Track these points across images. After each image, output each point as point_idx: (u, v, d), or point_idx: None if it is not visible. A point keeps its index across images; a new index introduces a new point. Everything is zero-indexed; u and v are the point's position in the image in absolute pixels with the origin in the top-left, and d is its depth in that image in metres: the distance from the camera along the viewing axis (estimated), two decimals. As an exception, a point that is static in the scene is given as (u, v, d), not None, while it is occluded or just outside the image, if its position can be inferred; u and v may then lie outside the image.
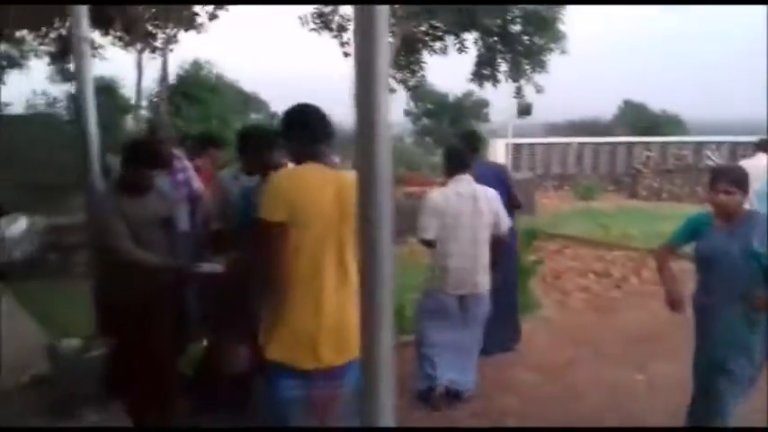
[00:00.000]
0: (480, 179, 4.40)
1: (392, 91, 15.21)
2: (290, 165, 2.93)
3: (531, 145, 16.64)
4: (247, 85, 16.05)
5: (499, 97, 13.69)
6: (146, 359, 3.68)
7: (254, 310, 2.55)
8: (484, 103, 24.59)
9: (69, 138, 12.80)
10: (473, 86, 13.18)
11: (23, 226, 3.62)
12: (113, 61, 14.58)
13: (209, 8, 12.00)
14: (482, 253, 4.18)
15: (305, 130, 2.66)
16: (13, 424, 3.46)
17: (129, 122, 16.18)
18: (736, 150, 17.20)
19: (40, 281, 7.11)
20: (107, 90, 16.39)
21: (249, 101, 17.64)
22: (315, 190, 2.48)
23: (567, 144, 17.54)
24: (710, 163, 17.46)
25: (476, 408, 4.23)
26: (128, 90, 16.29)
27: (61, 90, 16.69)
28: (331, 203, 2.48)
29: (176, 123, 12.89)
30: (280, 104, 20.75)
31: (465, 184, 4.22)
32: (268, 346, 2.47)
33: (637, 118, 28.34)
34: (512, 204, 4.93)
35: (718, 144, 17.73)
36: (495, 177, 4.87)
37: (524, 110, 15.40)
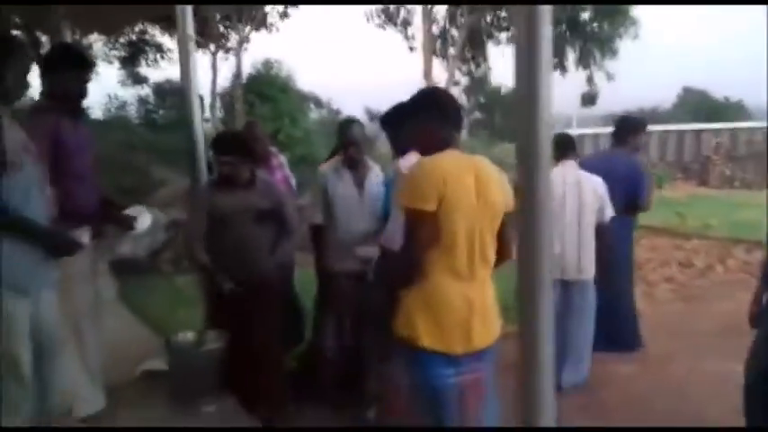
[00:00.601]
0: (610, 168, 4.58)
1: (456, 83, 15.20)
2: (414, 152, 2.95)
3: (596, 135, 16.35)
4: (306, 84, 16.19)
5: (565, 87, 13.51)
6: (256, 353, 3.77)
7: (393, 302, 2.55)
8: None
9: (142, 141, 13.22)
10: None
11: (148, 221, 3.73)
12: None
13: (280, 8, 12.19)
14: (586, 239, 4.18)
15: (443, 114, 2.61)
16: (132, 416, 3.63)
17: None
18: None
19: (158, 275, 7.42)
20: (175, 92, 16.82)
21: (308, 99, 17.80)
22: (460, 177, 2.45)
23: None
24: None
25: (580, 401, 4.19)
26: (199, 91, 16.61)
27: (131, 94, 17.17)
28: (473, 190, 2.48)
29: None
30: (342, 102, 20.94)
31: (570, 169, 4.27)
32: (417, 334, 2.45)
33: (698, 105, 27.62)
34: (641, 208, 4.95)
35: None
36: (627, 168, 4.84)
37: (589, 99, 15.15)
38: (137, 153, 12.19)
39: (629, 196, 4.78)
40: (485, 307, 2.54)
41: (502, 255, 2.66)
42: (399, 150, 3.43)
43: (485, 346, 2.53)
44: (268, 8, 12.01)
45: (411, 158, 3.25)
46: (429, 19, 12.22)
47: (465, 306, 2.47)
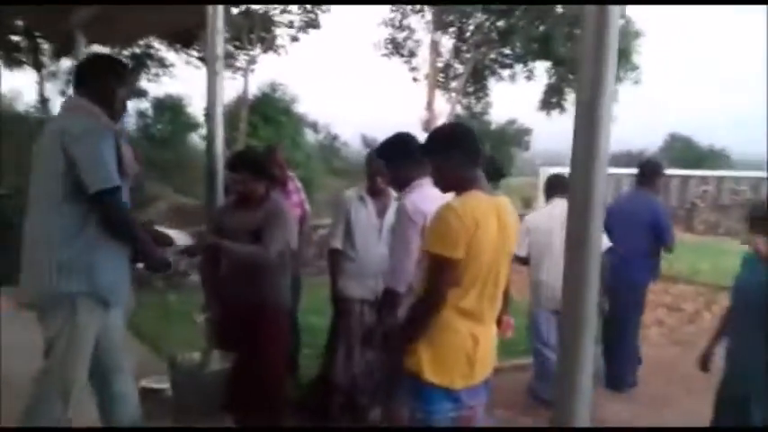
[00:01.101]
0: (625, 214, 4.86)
1: (458, 116, 15.38)
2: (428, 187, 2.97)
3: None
4: (306, 108, 16.29)
5: (562, 125, 13.73)
6: (258, 376, 3.71)
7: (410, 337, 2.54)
8: (526, 132, 24.70)
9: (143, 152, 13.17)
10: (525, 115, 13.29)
11: (183, 240, 3.69)
12: (184, 79, 14.99)
13: (292, 31, 12.34)
14: None
15: (465, 152, 2.52)
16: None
17: (195, 139, 16.63)
18: (798, 187, 16.90)
19: (150, 291, 7.34)
20: (174, 108, 16.83)
21: (308, 123, 17.82)
22: (486, 221, 2.42)
23: (621, 175, 17.40)
24: (771, 199, 17.14)
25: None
26: (194, 108, 16.70)
27: (130, 106, 17.08)
28: (496, 232, 2.46)
29: (251, 143, 13.13)
30: (341, 127, 21.03)
31: (559, 206, 4.34)
32: (421, 368, 2.46)
33: (683, 152, 28.05)
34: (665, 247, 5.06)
35: (777, 180, 17.34)
36: (651, 209, 5.01)
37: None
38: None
39: (653, 237, 4.93)
40: (488, 345, 2.57)
41: (505, 296, 2.70)
42: (400, 184, 3.34)
43: (482, 380, 2.58)
44: (279, 31, 12.17)
45: (422, 193, 3.21)
46: (435, 51, 12.39)
47: (471, 344, 2.47)
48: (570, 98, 12.25)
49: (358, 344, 4.02)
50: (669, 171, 19.21)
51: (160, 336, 5.85)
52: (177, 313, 6.75)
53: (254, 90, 13.16)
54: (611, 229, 4.46)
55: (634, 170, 5.32)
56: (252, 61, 12.54)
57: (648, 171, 5.30)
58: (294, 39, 12.44)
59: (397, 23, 12.16)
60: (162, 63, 15.64)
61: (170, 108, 16.60)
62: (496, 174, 4.30)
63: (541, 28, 10.97)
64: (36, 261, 2.74)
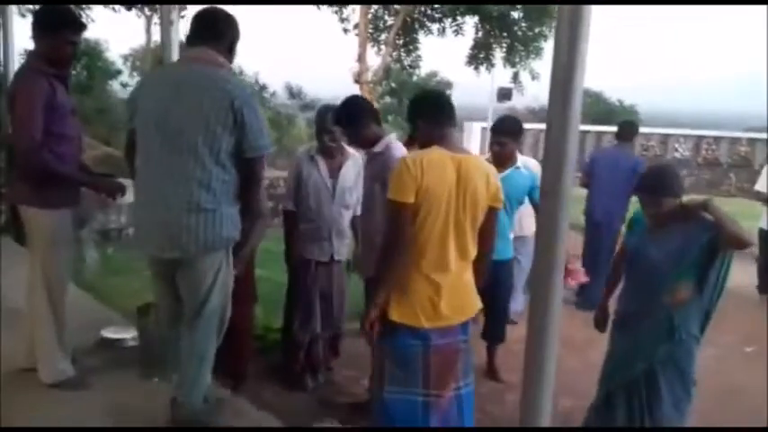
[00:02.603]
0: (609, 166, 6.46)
1: (387, 69, 15.41)
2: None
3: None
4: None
5: (486, 82, 14.03)
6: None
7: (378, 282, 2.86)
8: (447, 85, 25.04)
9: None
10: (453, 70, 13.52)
11: None
12: (100, 23, 14.24)
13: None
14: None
15: (433, 114, 2.93)
16: (101, 383, 3.64)
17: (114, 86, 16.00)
18: (701, 144, 18.04)
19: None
20: (90, 53, 16.04)
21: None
22: (435, 172, 2.72)
23: (540, 130, 18.02)
24: (677, 155, 18.29)
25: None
26: (112, 54, 15.97)
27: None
28: (454, 185, 2.75)
29: None
30: (269, 77, 20.66)
31: None
32: (392, 310, 2.79)
33: (593, 107, 29.07)
34: None
35: (685, 137, 18.45)
36: (630, 160, 6.50)
37: (504, 95, 15.79)
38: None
39: (629, 182, 5.76)
40: (455, 290, 2.86)
41: (483, 248, 2.94)
42: (365, 144, 3.57)
43: (455, 323, 2.89)
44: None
45: (400, 147, 3.48)
46: (366, 2, 12.33)
47: (432, 290, 2.80)
48: (497, 54, 12.61)
49: (315, 303, 4.17)
50: (583, 127, 20.31)
51: (107, 289, 5.84)
52: (119, 267, 6.75)
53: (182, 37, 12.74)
54: (597, 174, 6.51)
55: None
56: (182, 8, 12.08)
57: (627, 129, 6.86)
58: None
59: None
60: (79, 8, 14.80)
61: (85, 53, 15.82)
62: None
63: (471, -18, 11.17)
64: (196, 210, 2.86)
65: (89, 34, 15.09)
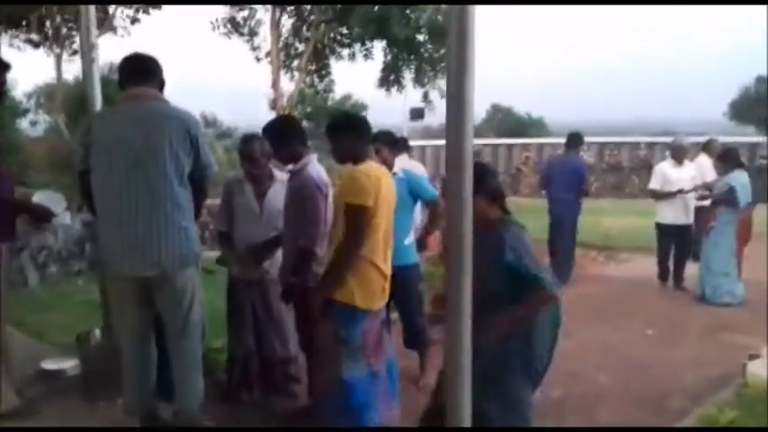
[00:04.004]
0: (562, 169, 8.10)
1: (302, 94, 15.68)
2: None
3: (422, 147, 17.77)
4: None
5: (399, 102, 14.54)
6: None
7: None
8: (362, 107, 25.61)
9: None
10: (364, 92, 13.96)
11: (63, 203, 3.96)
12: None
13: (130, 12, 11.93)
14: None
15: (359, 132, 3.43)
16: (51, 412, 3.75)
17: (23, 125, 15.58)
18: (604, 150, 19.18)
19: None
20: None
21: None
22: (382, 181, 3.27)
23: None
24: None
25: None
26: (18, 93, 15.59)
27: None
28: (388, 191, 3.31)
29: None
30: (186, 106, 20.44)
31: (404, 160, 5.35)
32: (352, 298, 3.24)
33: (504, 121, 30.02)
34: (584, 191, 8.24)
35: (589, 144, 19.56)
36: (577, 166, 8.23)
37: (416, 114, 16.35)
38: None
39: (579, 183, 8.05)
40: (387, 277, 3.40)
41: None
42: (287, 160, 3.89)
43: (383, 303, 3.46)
44: (118, 11, 11.70)
45: (317, 167, 3.84)
46: (277, 30, 12.57)
47: (381, 278, 3.32)
48: (407, 76, 13.13)
49: (247, 320, 4.29)
50: (494, 140, 21.25)
51: (35, 324, 5.85)
52: (45, 303, 6.73)
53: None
54: (553, 178, 8.16)
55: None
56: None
57: (575, 140, 8.45)
58: (134, 20, 12.09)
59: (236, 4, 12.21)
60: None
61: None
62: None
63: (377, 8, 11.57)
64: (171, 228, 3.22)
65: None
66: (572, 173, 8.02)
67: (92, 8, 4.37)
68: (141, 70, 3.34)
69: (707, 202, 7.67)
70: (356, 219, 3.15)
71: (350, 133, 3.40)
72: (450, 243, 2.37)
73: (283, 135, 3.85)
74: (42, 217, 3.79)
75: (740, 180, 7.09)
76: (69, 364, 4.30)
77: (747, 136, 22.34)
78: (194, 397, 3.42)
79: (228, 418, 4.17)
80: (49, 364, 4.36)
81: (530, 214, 6.40)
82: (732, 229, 7.14)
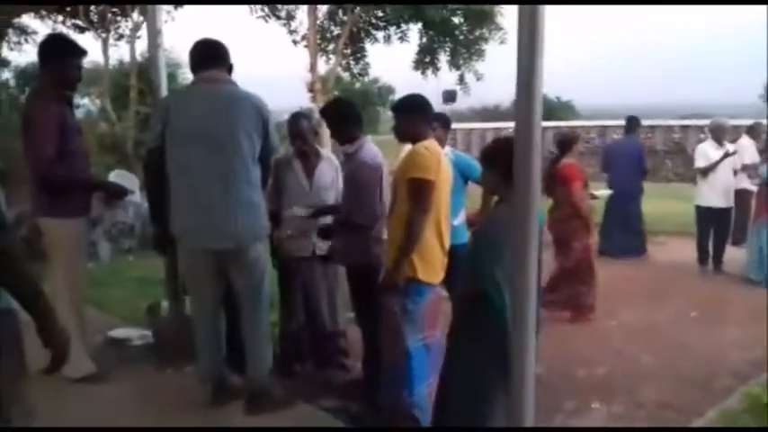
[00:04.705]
0: (622, 152, 8.60)
1: (339, 78, 15.81)
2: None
3: (453, 130, 17.75)
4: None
5: (429, 85, 14.58)
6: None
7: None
8: (389, 89, 25.64)
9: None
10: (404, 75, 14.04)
11: (136, 181, 4.18)
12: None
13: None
14: None
15: (424, 114, 3.57)
16: (123, 378, 3.96)
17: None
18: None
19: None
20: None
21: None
22: (442, 159, 3.43)
23: (485, 129, 18.78)
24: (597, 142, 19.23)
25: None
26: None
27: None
28: (448, 170, 3.49)
29: (140, 109, 12.91)
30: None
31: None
32: (418, 271, 3.36)
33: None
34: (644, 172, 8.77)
35: (621, 128, 19.34)
36: (638, 148, 8.82)
37: (449, 97, 16.38)
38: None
39: (640, 165, 8.59)
40: (446, 251, 3.54)
41: None
42: (344, 139, 3.96)
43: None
44: (162, -3, 11.94)
45: (373, 148, 3.96)
46: (313, 14, 12.70)
47: (441, 251, 3.47)
48: (442, 59, 13.20)
49: (298, 296, 4.43)
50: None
51: (96, 298, 6.09)
52: (103, 280, 6.99)
53: (138, 57, 12.92)
54: (613, 163, 8.60)
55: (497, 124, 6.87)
56: (136, 28, 12.34)
57: (634, 123, 8.94)
58: (178, 4, 12.32)
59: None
60: (23, 30, 14.78)
61: (34, 78, 15.66)
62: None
63: (412, -9, 11.69)
64: (246, 204, 3.42)
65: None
66: (632, 156, 8.55)
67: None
68: (212, 55, 3.53)
69: (750, 185, 7.69)
70: (421, 192, 3.28)
71: (415, 113, 3.52)
72: (515, 228, 2.34)
73: (340, 117, 3.97)
74: (118, 194, 3.98)
75: None
76: (136, 334, 4.52)
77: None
78: (264, 365, 3.61)
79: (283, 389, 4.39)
80: (116, 334, 4.58)
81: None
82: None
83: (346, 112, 4.04)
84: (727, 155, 7.51)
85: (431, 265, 3.41)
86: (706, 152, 7.73)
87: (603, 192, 7.15)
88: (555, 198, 6.06)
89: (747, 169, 7.91)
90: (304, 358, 4.62)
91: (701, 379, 4.58)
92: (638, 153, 8.68)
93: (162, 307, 4.27)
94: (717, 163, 7.52)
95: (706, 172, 7.63)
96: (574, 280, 5.90)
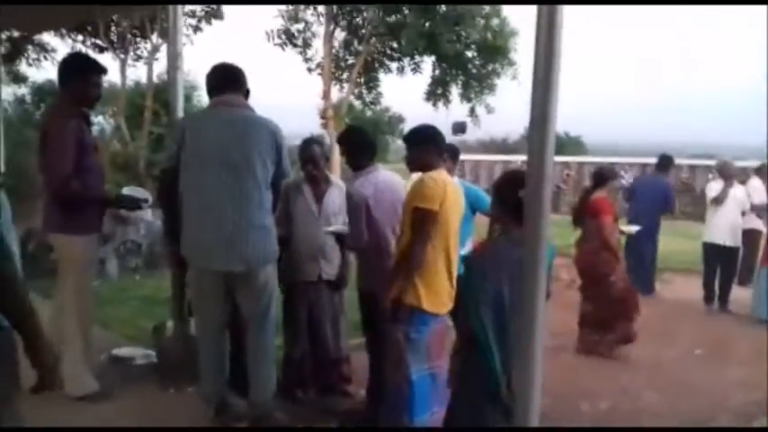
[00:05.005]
0: (648, 188, 8.49)
1: (351, 106, 15.96)
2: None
3: (462, 161, 17.82)
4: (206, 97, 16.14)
5: (439, 116, 14.70)
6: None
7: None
8: (399, 119, 25.82)
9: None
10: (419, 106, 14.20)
11: (148, 194, 4.22)
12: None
13: (193, 21, 12.40)
14: None
15: (436, 144, 3.59)
16: (127, 397, 3.96)
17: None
18: (645, 170, 19.05)
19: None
20: (55, 94, 16.02)
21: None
22: (449, 189, 3.42)
23: (494, 162, 18.88)
24: (624, 182, 19.30)
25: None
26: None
27: (7, 92, 16.30)
28: (455, 201, 3.47)
29: (153, 129, 13.05)
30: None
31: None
32: (422, 301, 3.35)
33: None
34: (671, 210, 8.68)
35: (630, 165, 19.50)
36: (664, 186, 8.57)
37: (459, 128, 16.47)
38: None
39: (665, 202, 8.41)
40: (454, 282, 3.52)
41: None
42: (354, 167, 4.07)
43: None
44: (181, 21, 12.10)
45: (367, 179, 3.97)
46: (329, 43, 12.88)
47: (448, 282, 3.45)
48: (454, 91, 13.33)
49: (303, 320, 4.40)
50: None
51: (101, 316, 6.11)
52: (108, 298, 7.02)
53: (154, 79, 13.10)
54: (636, 195, 8.56)
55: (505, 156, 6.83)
56: (155, 50, 12.55)
57: (666, 161, 8.78)
58: (197, 29, 12.55)
59: (292, 15, 12.57)
60: (42, 47, 15.04)
61: (50, 94, 15.93)
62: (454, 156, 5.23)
63: (428, 25, 11.80)
64: (259, 227, 3.46)
65: (53, 75, 15.21)
66: (657, 192, 8.41)
67: (179, 18, 4.64)
68: (229, 79, 3.60)
69: (759, 226, 7.71)
70: (421, 222, 3.30)
71: (427, 144, 3.56)
72: (525, 253, 2.39)
73: (354, 144, 4.07)
74: (131, 206, 4.06)
75: None
76: (139, 353, 4.54)
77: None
78: (267, 389, 3.61)
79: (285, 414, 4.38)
80: (120, 352, 4.60)
81: (573, 231, 6.53)
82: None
83: (359, 140, 4.13)
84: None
85: (436, 295, 3.41)
86: (717, 188, 7.77)
87: (631, 227, 7.09)
88: (584, 230, 6.13)
89: (756, 209, 7.93)
90: (307, 383, 4.60)
91: (704, 419, 4.55)
92: (664, 190, 8.49)
93: (167, 327, 4.28)
94: (727, 190, 7.60)
95: (718, 200, 7.66)
96: (620, 312, 5.93)
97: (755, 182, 8.48)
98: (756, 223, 8.19)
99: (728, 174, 7.78)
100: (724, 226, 7.63)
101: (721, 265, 7.72)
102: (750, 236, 8.11)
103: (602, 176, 6.21)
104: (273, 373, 3.71)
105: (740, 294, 7.87)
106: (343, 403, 4.43)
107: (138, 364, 4.51)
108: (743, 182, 8.21)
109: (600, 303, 5.94)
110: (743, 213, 7.79)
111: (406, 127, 22.58)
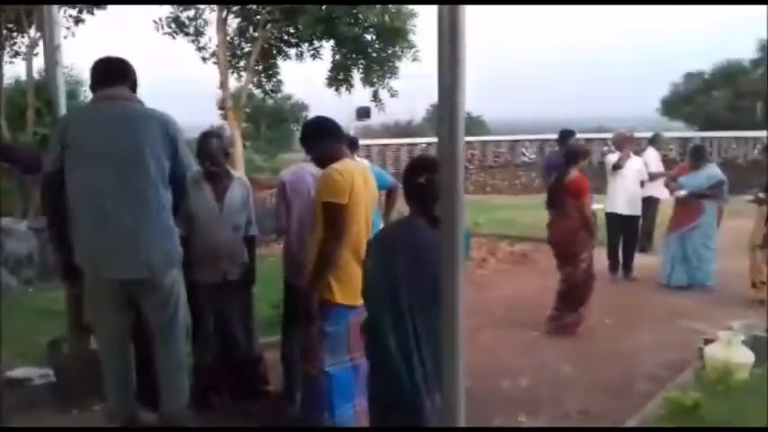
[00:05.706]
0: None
1: (251, 95, 15.50)
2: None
3: (368, 146, 17.81)
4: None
5: (341, 102, 14.51)
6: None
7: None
8: (303, 107, 25.61)
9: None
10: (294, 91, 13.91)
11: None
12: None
13: (74, 12, 11.61)
14: None
15: (334, 135, 3.53)
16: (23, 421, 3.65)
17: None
18: (544, 147, 19.67)
19: None
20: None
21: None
22: (356, 179, 3.32)
23: (400, 145, 18.98)
24: (525, 158, 19.92)
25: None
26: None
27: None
28: (363, 187, 3.37)
29: (38, 130, 12.23)
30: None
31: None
32: (335, 294, 3.30)
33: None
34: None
35: (530, 141, 20.10)
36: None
37: (363, 113, 16.42)
38: None
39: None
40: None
41: None
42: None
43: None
44: (61, 13, 11.33)
45: (290, 169, 3.88)
46: (223, 30, 12.41)
47: (359, 272, 3.24)
48: (356, 76, 13.16)
49: (210, 324, 4.21)
50: (433, 140, 21.53)
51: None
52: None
53: (35, 75, 12.21)
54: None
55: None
56: (33, 44, 11.66)
57: (565, 135, 7.88)
58: (78, 20, 11.77)
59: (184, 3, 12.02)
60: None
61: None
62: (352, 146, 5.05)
63: (324, 8, 11.58)
64: (159, 228, 3.22)
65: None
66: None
67: (54, 10, 4.26)
68: (114, 71, 3.32)
69: (657, 194, 8.06)
70: (332, 216, 3.23)
71: (324, 137, 3.49)
72: (443, 237, 2.28)
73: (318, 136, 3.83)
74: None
75: (720, 174, 7.53)
76: (36, 373, 4.19)
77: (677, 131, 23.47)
78: (180, 398, 3.40)
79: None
80: (15, 373, 4.23)
81: (481, 209, 6.61)
82: (715, 220, 7.62)
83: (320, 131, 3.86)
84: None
85: (349, 287, 3.31)
86: (615, 159, 8.02)
87: (597, 206, 7.08)
88: (563, 210, 6.04)
89: (654, 177, 8.26)
90: (221, 388, 4.42)
91: (621, 385, 4.69)
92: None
93: (64, 342, 3.95)
94: (625, 158, 7.86)
95: (618, 166, 7.87)
96: (584, 293, 6.04)
97: (651, 152, 8.84)
98: (654, 191, 8.54)
99: (624, 144, 8.05)
100: (625, 196, 7.90)
101: (624, 234, 8.00)
102: (648, 203, 8.45)
103: (576, 154, 6.19)
104: (186, 381, 3.50)
105: (642, 261, 8.20)
106: (261, 404, 4.29)
107: (36, 384, 4.16)
108: (637, 153, 8.53)
109: (573, 282, 6.02)
110: (641, 183, 8.09)
111: (310, 114, 22.46)
